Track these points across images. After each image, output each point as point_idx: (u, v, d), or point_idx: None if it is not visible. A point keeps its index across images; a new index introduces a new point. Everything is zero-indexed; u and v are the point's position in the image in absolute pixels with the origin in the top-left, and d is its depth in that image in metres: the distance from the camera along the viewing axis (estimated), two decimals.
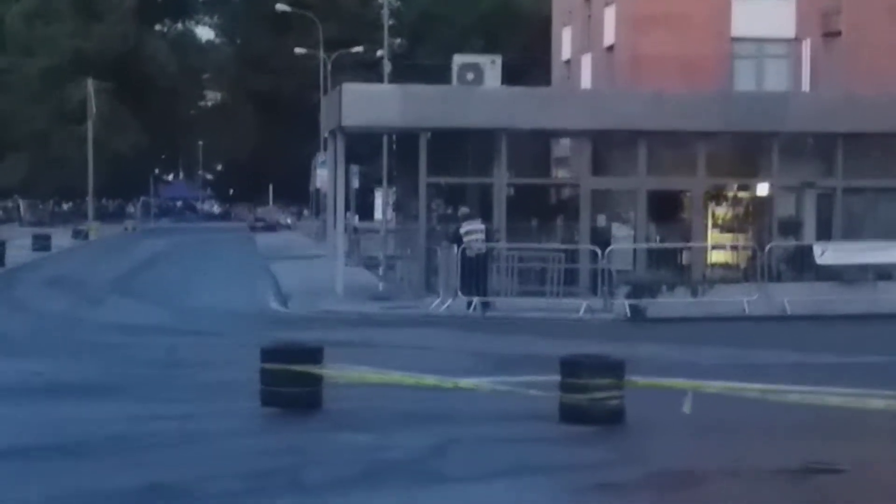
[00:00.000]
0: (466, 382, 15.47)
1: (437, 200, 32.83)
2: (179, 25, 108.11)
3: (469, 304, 27.87)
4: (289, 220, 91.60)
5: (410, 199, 33.59)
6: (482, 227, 28.96)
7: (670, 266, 30.31)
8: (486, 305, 28.05)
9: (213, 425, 14.75)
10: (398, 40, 73.71)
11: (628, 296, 27.99)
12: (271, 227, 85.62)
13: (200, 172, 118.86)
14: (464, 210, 29.90)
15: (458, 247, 28.14)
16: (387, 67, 50.96)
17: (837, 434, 13.88)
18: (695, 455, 13.18)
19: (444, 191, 33.43)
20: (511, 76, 35.52)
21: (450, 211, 33.95)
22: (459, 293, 28.06)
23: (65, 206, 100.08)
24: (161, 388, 17.73)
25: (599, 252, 28.48)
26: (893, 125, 31.38)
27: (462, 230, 28.62)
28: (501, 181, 30.95)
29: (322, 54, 68.85)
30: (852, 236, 30.71)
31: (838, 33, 36.03)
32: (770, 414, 14.42)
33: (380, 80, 48.98)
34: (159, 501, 11.26)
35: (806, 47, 36.85)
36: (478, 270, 28.18)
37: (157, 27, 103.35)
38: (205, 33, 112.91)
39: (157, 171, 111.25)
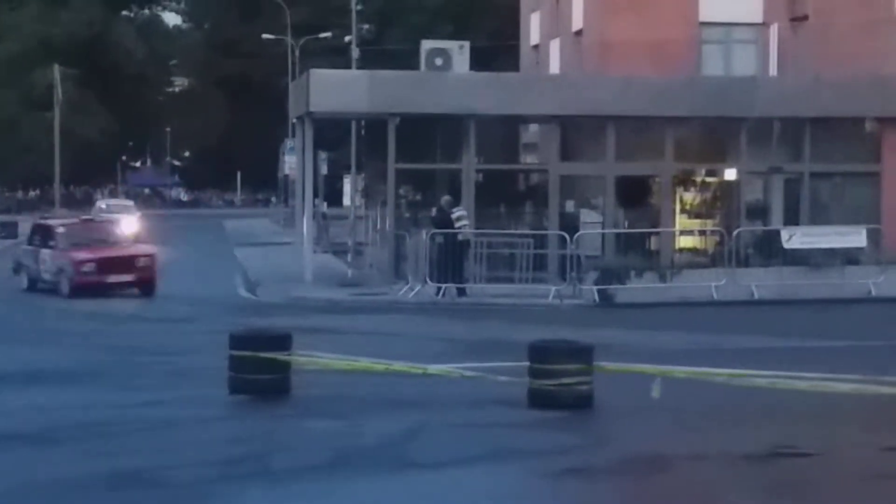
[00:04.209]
0: (436, 368, 15.48)
1: (405, 186, 32.80)
2: (146, 11, 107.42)
3: (439, 290, 27.85)
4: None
5: (379, 185, 33.54)
6: (466, 213, 29.13)
7: (639, 251, 30.36)
8: (461, 291, 28.08)
9: (181, 412, 14.72)
10: (366, 26, 73.50)
11: (597, 281, 28.04)
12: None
13: (168, 159, 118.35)
14: (446, 198, 29.88)
15: (445, 232, 28.15)
16: (355, 53, 50.85)
17: (805, 418, 13.95)
18: (663, 439, 13.23)
19: (413, 177, 33.39)
20: (480, 62, 35.50)
21: (418, 197, 33.91)
22: (428, 280, 28.05)
23: (31, 194, 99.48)
24: (129, 375, 17.68)
25: (568, 238, 28.51)
26: (860, 109, 31.52)
27: (454, 215, 28.66)
28: (470, 167, 30.95)
29: (290, 40, 68.62)
30: (819, 221, 30.84)
31: (805, 18, 36.08)
32: (738, 398, 14.49)
33: (348, 65, 48.86)
34: (127, 489, 11.24)
35: (773, 32, 36.89)
36: (457, 256, 28.20)
37: (124, 13, 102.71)
38: (172, 19, 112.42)
39: (124, 157, 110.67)
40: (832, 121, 31.40)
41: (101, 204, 60.30)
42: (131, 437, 13.35)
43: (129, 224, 47.53)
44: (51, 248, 30.54)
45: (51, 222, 33.60)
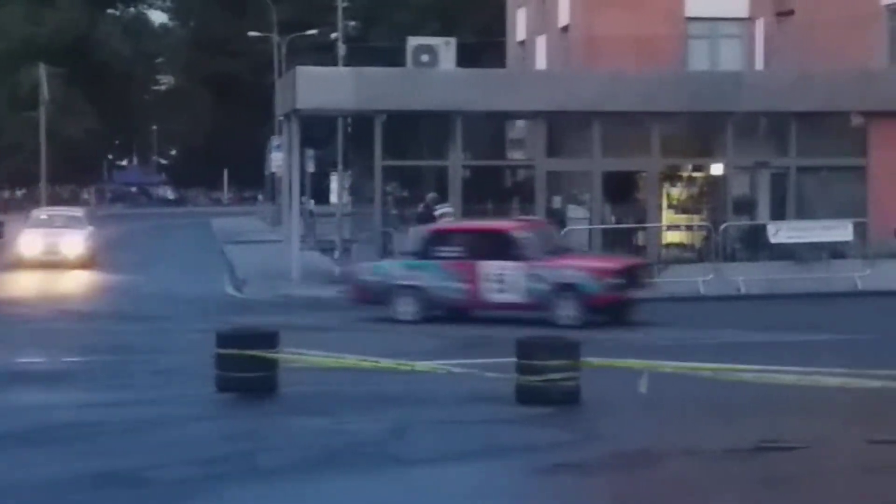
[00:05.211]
0: (423, 365, 15.50)
1: (392, 183, 32.80)
2: (132, 9, 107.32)
3: None
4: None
5: (366, 182, 33.53)
6: (452, 209, 29.13)
7: (626, 247, 30.41)
8: None
9: (168, 411, 14.70)
10: (353, 23, 73.46)
11: None
12: None
13: (155, 157, 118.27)
14: (432, 195, 29.87)
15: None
16: (341, 50, 50.84)
17: (792, 412, 13.99)
18: (650, 434, 13.25)
19: (400, 174, 33.39)
20: (467, 58, 35.49)
21: (405, 194, 33.92)
22: None
23: (18, 193, 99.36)
24: (115, 374, 17.66)
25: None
26: (846, 104, 31.59)
27: (437, 212, 28.66)
28: (457, 163, 30.96)
29: (276, 37, 68.57)
30: (806, 215, 30.91)
31: (791, 12, 36.18)
32: (725, 393, 14.51)
33: (335, 63, 48.85)
34: (114, 488, 11.22)
35: (759, 27, 37.01)
36: None
37: (110, 11, 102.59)
38: (158, 17, 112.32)
39: (110, 156, 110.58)
40: (818, 115, 31.47)
41: (40, 214, 41.94)
42: (117, 436, 13.32)
43: (72, 243, 37.00)
44: (509, 257, 22.73)
45: (492, 225, 25.12)
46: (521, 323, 21.69)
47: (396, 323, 23.25)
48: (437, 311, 23.15)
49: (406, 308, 23.24)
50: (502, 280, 22.67)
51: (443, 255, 23.28)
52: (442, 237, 23.93)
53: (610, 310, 22.48)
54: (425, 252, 23.70)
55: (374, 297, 23.77)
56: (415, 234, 24.90)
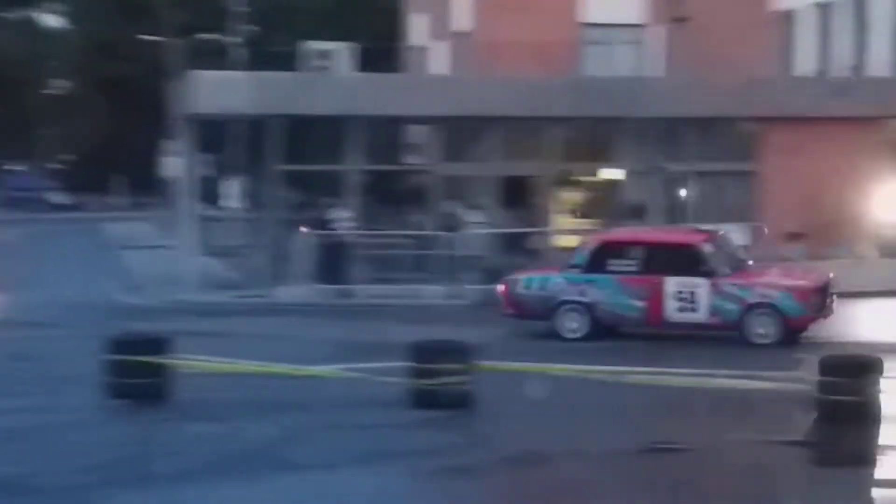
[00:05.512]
0: (317, 370, 15.47)
1: (289, 188, 32.66)
2: (24, 12, 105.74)
3: (321, 292, 27.80)
4: None
5: (262, 186, 33.36)
6: (348, 214, 29.13)
7: (522, 251, 30.51)
8: (344, 293, 28.05)
9: (57, 418, 14.52)
10: (251, 27, 73.10)
11: (480, 281, 28.13)
12: None
13: (48, 163, 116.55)
14: (328, 199, 29.83)
15: (325, 233, 28.11)
16: (239, 55, 50.56)
17: (683, 413, 14.15)
18: (542, 437, 13.34)
19: (297, 178, 33.26)
20: (368, 64, 35.40)
21: (302, 199, 33.80)
22: (312, 281, 27.99)
23: None
24: (3, 382, 17.37)
25: (451, 238, 28.59)
26: (740, 109, 32.02)
27: (332, 217, 28.64)
28: (353, 168, 30.91)
29: (173, 41, 68.03)
30: (700, 220, 31.22)
31: (686, 19, 36.62)
32: (617, 396, 14.66)
33: (232, 67, 48.56)
34: (2, 496, 11.04)
35: (655, 33, 37.41)
36: (339, 258, 28.18)
37: (2, 14, 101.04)
38: (52, 20, 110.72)
39: (3, 161, 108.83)
40: (711, 120, 31.84)
41: None
42: (5, 443, 13.13)
43: None
44: (696, 273, 20.76)
45: (675, 237, 22.66)
46: (705, 340, 20.66)
47: (308, 328, 23.32)
48: (606, 328, 21.43)
49: (573, 325, 21.37)
50: (688, 298, 20.83)
51: (617, 269, 21.37)
52: (614, 249, 21.83)
53: (809, 329, 20.94)
54: (594, 265, 21.56)
55: (535, 313, 21.88)
56: (580, 246, 23.04)
